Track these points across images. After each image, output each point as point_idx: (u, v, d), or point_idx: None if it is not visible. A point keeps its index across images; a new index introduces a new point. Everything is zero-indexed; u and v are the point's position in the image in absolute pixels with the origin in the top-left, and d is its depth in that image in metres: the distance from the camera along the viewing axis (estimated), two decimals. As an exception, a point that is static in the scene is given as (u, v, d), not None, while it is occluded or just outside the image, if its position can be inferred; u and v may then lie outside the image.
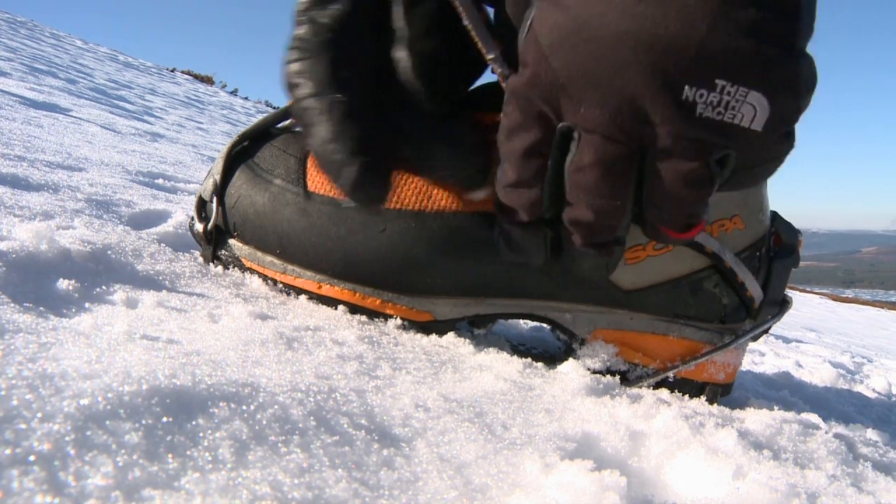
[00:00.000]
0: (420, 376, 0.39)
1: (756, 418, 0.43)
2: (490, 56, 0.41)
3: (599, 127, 0.36)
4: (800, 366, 0.93)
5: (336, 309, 0.49)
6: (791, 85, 0.35)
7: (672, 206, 0.38)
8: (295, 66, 0.43)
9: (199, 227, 0.53)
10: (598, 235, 0.40)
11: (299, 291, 0.50)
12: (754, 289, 0.49)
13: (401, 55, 0.44)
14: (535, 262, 0.44)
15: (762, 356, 0.97)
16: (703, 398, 0.49)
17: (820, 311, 4.14)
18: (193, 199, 0.69)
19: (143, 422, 0.24)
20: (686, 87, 0.34)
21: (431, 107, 0.45)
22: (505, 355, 0.46)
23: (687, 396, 0.49)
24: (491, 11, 0.46)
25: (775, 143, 0.38)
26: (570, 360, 0.49)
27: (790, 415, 0.47)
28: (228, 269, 0.52)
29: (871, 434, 0.49)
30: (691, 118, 0.35)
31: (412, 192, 0.48)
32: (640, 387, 0.49)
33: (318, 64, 0.43)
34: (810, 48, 0.36)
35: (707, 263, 0.48)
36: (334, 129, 0.42)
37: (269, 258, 0.51)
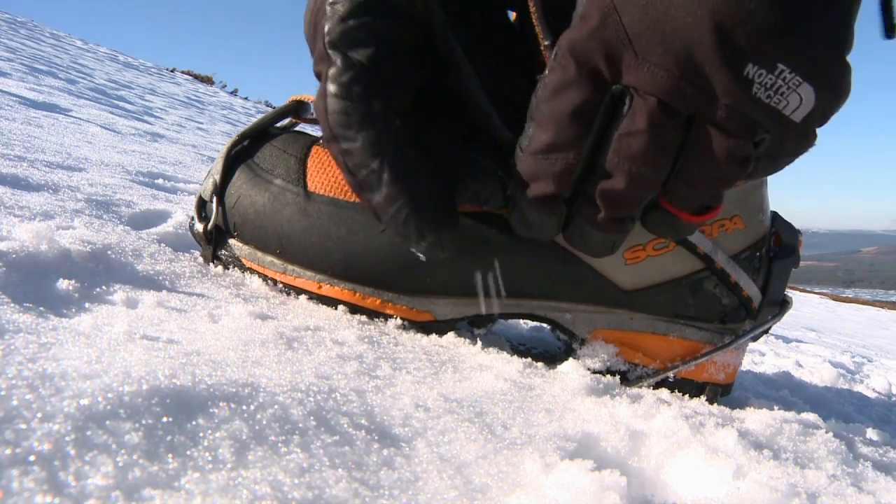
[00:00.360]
0: (420, 376, 0.39)
1: (756, 418, 0.43)
2: (546, 42, 0.41)
3: (660, 90, 0.36)
4: (800, 366, 0.93)
5: (336, 309, 0.49)
6: (837, 86, 0.36)
7: (705, 181, 0.38)
8: (342, 118, 0.42)
9: (199, 227, 0.53)
10: (623, 208, 0.39)
11: (299, 291, 0.50)
12: (750, 288, 0.49)
13: (479, 105, 0.44)
14: (544, 238, 0.43)
15: (762, 356, 0.97)
16: (703, 398, 0.49)
17: (820, 310, 4.14)
18: (193, 199, 0.69)
19: (143, 422, 0.24)
20: (749, 63, 0.34)
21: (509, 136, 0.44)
22: (505, 355, 0.46)
23: (687, 396, 0.49)
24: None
25: (804, 137, 0.38)
26: (571, 360, 0.49)
27: (790, 415, 0.47)
28: (228, 269, 0.52)
29: (871, 434, 0.49)
30: (748, 95, 0.35)
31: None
32: (641, 387, 0.49)
33: (371, 115, 0.42)
34: None
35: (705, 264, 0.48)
36: (400, 195, 0.42)
37: (269, 258, 0.51)
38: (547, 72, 0.38)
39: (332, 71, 0.42)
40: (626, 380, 0.49)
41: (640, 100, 0.36)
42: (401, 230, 0.43)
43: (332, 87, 0.42)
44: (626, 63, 0.36)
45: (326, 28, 0.42)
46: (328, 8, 0.42)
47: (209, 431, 0.25)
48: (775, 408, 0.48)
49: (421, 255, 0.46)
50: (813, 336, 1.91)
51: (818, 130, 0.39)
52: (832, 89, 0.36)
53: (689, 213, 0.39)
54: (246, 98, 5.71)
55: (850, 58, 0.37)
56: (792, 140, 0.38)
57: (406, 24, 0.43)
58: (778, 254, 0.51)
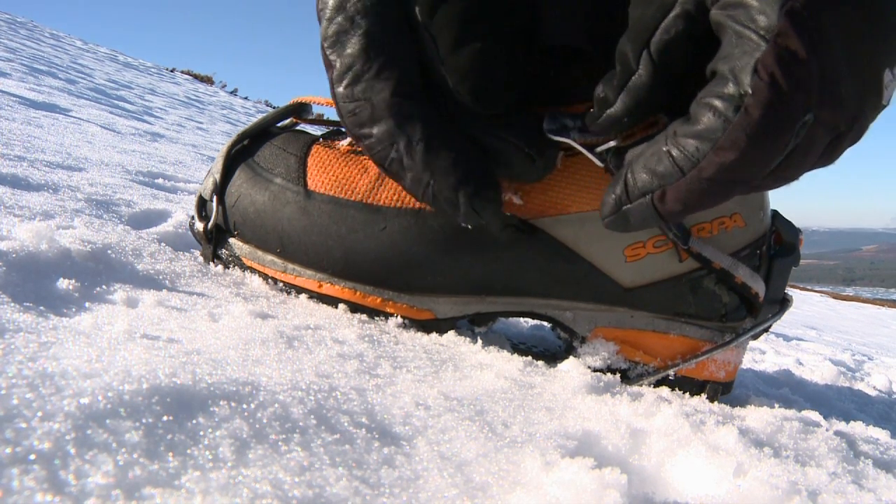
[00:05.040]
0: (420, 375, 0.39)
1: (757, 416, 0.43)
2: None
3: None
4: (800, 364, 0.92)
5: (336, 308, 0.49)
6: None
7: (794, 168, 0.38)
8: (355, 118, 0.42)
9: (199, 226, 0.53)
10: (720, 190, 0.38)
11: (300, 290, 0.50)
12: (757, 285, 0.49)
13: (441, 72, 0.43)
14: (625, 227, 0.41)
15: (763, 354, 0.97)
16: (703, 396, 0.49)
17: (820, 309, 4.14)
18: (193, 199, 0.69)
19: (144, 420, 0.24)
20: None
21: (484, 111, 0.44)
22: (505, 354, 0.46)
23: (687, 394, 0.49)
24: None
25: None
26: (571, 358, 0.49)
27: (791, 412, 0.46)
28: (229, 268, 0.52)
29: (872, 431, 0.49)
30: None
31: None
32: (641, 385, 0.49)
33: (377, 109, 0.42)
34: None
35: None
36: (424, 172, 0.42)
37: (269, 257, 0.51)
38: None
39: (334, 74, 0.43)
40: (627, 378, 0.49)
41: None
42: (435, 205, 0.44)
43: (338, 90, 0.43)
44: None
45: (321, 32, 0.43)
46: (319, 13, 0.43)
47: (209, 430, 0.25)
48: (776, 406, 0.48)
49: (466, 225, 0.45)
50: (813, 334, 1.91)
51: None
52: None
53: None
54: (246, 98, 5.71)
55: None
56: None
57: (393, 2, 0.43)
58: (778, 252, 0.51)
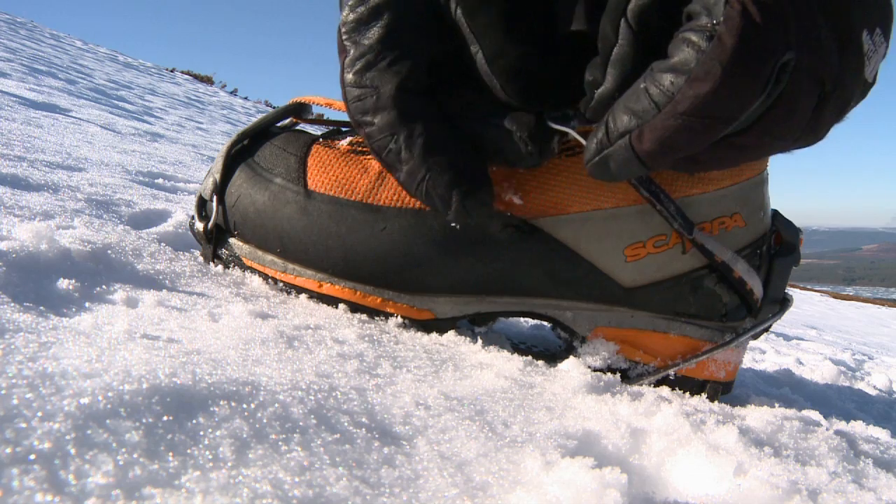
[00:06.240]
0: (421, 374, 0.39)
1: (757, 415, 0.43)
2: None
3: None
4: (800, 363, 0.92)
5: (336, 307, 0.49)
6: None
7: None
8: (360, 105, 0.43)
9: (199, 225, 0.53)
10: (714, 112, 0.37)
11: (300, 290, 0.50)
12: (755, 283, 0.49)
13: (486, 75, 0.44)
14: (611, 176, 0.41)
15: (763, 354, 0.97)
16: (703, 396, 0.49)
17: (820, 308, 4.14)
18: (193, 199, 0.69)
19: (144, 420, 0.24)
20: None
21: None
22: (505, 353, 0.46)
23: (688, 394, 0.49)
24: None
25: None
26: (571, 357, 0.49)
27: (791, 412, 0.46)
28: (229, 268, 0.52)
29: (872, 431, 0.49)
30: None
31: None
32: (641, 384, 0.49)
33: (382, 99, 0.43)
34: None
35: (706, 262, 0.48)
36: (420, 167, 0.43)
37: (269, 257, 0.51)
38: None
39: (346, 59, 0.44)
40: (627, 378, 0.49)
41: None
42: (427, 201, 0.44)
43: (347, 76, 0.44)
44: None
45: (342, 18, 0.44)
46: (341, 1, 0.44)
47: (209, 430, 0.25)
48: (776, 405, 0.48)
49: (454, 224, 0.46)
50: (814, 334, 1.91)
51: None
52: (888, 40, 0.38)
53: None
54: (246, 98, 5.71)
55: None
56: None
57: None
58: (778, 252, 0.51)
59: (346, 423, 0.29)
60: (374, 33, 0.43)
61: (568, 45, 0.45)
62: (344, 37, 0.44)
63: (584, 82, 0.42)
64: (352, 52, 0.43)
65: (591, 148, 0.40)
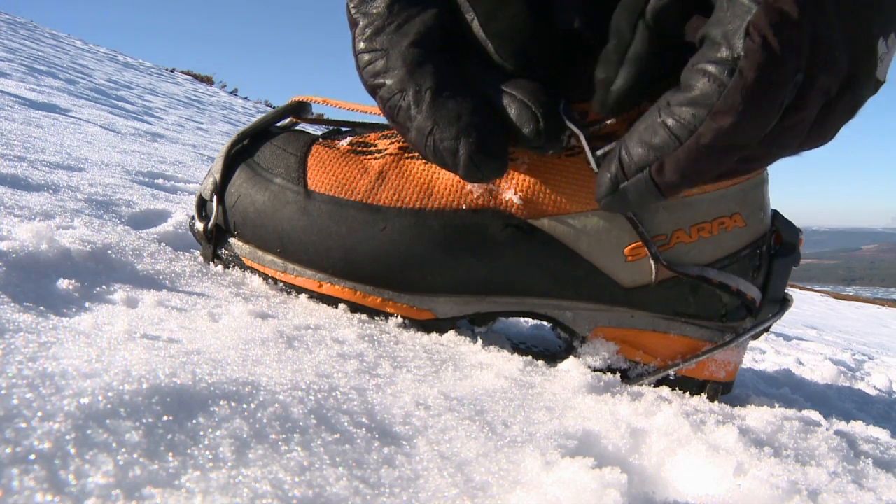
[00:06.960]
0: (421, 374, 0.39)
1: (757, 416, 0.43)
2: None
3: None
4: (800, 363, 0.92)
5: (336, 307, 0.49)
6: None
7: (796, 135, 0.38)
8: (370, 68, 0.44)
9: (199, 225, 0.53)
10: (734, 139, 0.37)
11: (300, 290, 0.50)
12: (752, 291, 0.49)
13: (483, 41, 0.44)
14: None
15: (763, 354, 0.97)
16: (703, 396, 0.49)
17: (820, 308, 4.14)
18: (193, 199, 0.69)
19: (144, 420, 0.24)
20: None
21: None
22: (505, 353, 0.46)
23: (688, 394, 0.49)
24: None
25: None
26: (571, 358, 0.49)
27: (791, 412, 0.46)
28: (229, 268, 0.52)
29: (872, 431, 0.49)
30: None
31: (413, 190, 0.48)
32: (641, 385, 0.49)
33: (392, 58, 0.43)
34: None
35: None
36: (427, 120, 0.42)
37: (269, 257, 0.51)
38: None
39: (357, 30, 0.44)
40: (627, 378, 0.49)
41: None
42: (436, 158, 0.43)
43: (359, 44, 0.44)
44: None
45: None
46: None
47: (209, 430, 0.25)
48: (776, 405, 0.48)
49: (472, 184, 0.46)
50: (813, 334, 1.91)
51: None
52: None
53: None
54: (246, 98, 5.70)
55: None
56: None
57: None
58: (778, 252, 0.51)
59: (346, 423, 0.29)
60: (380, 2, 0.44)
61: (561, 16, 0.45)
62: (353, 10, 0.44)
63: (587, 73, 0.42)
64: (361, 22, 0.44)
65: (603, 183, 0.41)
